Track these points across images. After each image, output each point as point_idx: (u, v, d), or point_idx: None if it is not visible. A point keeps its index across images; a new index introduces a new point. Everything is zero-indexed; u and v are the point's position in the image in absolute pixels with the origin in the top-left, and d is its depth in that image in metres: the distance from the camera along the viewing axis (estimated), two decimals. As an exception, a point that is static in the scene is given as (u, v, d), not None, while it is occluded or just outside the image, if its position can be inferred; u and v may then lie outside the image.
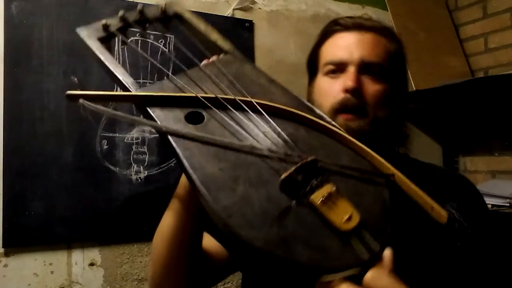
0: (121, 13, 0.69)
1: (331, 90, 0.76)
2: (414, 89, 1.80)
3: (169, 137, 0.50)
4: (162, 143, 0.54)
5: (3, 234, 1.29)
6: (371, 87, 0.74)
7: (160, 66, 1.39)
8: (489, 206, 1.66)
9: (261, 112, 0.55)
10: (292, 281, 0.54)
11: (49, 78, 1.36)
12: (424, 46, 1.93)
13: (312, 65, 0.85)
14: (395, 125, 0.80)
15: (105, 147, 1.43)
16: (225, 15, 1.70)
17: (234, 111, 0.55)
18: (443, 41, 2.06)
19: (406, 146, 0.87)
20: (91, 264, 1.42)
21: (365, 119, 0.73)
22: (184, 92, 0.56)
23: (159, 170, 1.50)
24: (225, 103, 0.55)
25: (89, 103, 0.51)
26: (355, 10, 2.00)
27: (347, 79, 0.73)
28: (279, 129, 0.53)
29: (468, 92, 1.76)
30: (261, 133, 0.52)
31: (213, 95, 0.56)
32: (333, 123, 0.58)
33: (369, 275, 0.42)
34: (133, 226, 1.47)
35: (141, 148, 1.46)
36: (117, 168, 1.45)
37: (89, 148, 1.41)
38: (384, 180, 0.51)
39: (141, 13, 0.70)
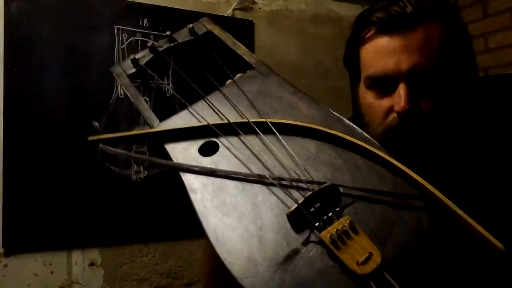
0: (149, 44, 0.66)
1: (379, 107, 0.63)
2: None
3: (181, 174, 0.49)
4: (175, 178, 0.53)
5: (3, 234, 1.29)
6: (429, 104, 0.60)
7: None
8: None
9: (277, 134, 0.51)
10: None
11: (49, 78, 1.36)
12: (424, 46, 1.93)
13: (353, 67, 0.70)
14: (465, 136, 0.67)
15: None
16: (225, 15, 1.70)
17: (249, 136, 0.52)
18: (443, 41, 2.06)
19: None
20: (91, 264, 1.42)
21: (425, 143, 0.60)
22: (199, 121, 0.55)
23: (159, 170, 1.50)
24: (238, 129, 0.52)
25: (107, 147, 0.52)
26: (355, 10, 2.00)
27: (399, 101, 0.59)
28: (297, 151, 0.49)
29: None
30: (276, 157, 0.48)
31: (226, 121, 0.53)
32: (364, 135, 0.50)
33: None
34: (133, 226, 1.47)
35: (141, 148, 1.46)
36: (117, 168, 1.45)
37: (89, 148, 1.41)
38: (423, 203, 0.42)
39: (171, 39, 0.68)
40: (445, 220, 0.41)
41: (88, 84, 1.40)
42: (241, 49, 0.68)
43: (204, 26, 0.70)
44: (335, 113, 0.53)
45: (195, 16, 1.80)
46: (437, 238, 0.40)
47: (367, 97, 0.65)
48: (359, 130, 0.50)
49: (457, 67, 0.63)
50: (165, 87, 1.52)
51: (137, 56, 0.65)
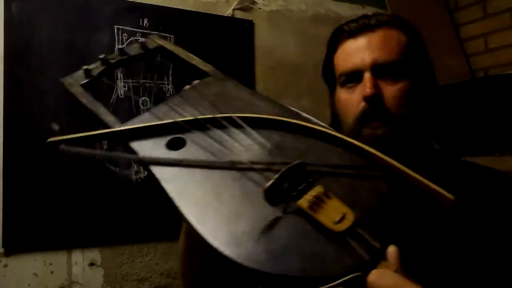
0: (101, 56, 0.68)
1: (351, 100, 0.73)
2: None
3: (151, 167, 0.51)
4: (148, 175, 0.54)
5: (3, 234, 1.29)
6: (391, 89, 0.70)
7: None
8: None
9: (243, 126, 0.54)
10: None
11: (49, 78, 1.36)
12: (424, 46, 1.93)
13: (329, 77, 0.82)
14: (428, 121, 0.75)
15: (105, 147, 1.43)
16: (225, 15, 1.70)
17: (216, 130, 0.54)
18: (443, 41, 2.06)
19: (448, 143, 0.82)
20: (91, 264, 1.42)
21: (390, 124, 0.69)
22: (163, 120, 0.57)
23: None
24: (205, 123, 0.54)
25: (70, 147, 0.52)
26: (355, 10, 2.00)
27: (364, 87, 0.70)
28: (262, 140, 0.52)
29: (468, 92, 1.76)
30: (244, 147, 0.51)
31: (192, 117, 0.56)
32: (321, 123, 0.56)
33: (372, 276, 0.38)
34: (133, 226, 1.47)
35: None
36: (117, 168, 1.45)
37: (89, 148, 1.41)
38: (380, 173, 0.49)
39: (122, 53, 0.70)
40: (401, 184, 0.47)
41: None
42: (195, 60, 0.71)
43: (155, 42, 0.74)
44: (293, 109, 0.59)
45: (195, 16, 1.81)
46: (396, 199, 0.47)
47: (341, 94, 0.76)
48: (316, 120, 0.56)
49: (417, 68, 0.74)
50: (165, 87, 1.52)
51: (89, 67, 0.67)
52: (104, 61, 0.69)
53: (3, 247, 1.30)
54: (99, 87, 0.68)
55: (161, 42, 0.74)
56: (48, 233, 1.35)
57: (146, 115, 0.59)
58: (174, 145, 0.54)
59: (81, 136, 0.56)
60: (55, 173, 1.36)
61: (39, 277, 1.34)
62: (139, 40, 0.73)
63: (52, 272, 1.36)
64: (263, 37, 1.76)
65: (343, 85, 0.75)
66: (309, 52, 1.81)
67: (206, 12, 1.65)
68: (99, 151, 0.55)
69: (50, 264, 1.36)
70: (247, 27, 1.73)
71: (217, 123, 0.55)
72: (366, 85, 0.70)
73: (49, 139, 0.54)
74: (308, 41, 1.82)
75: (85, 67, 0.67)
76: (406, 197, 0.54)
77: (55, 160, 1.36)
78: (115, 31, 1.48)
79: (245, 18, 1.73)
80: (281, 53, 1.79)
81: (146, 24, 1.53)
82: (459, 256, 0.65)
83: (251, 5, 1.75)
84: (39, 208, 1.33)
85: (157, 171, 0.50)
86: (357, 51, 0.73)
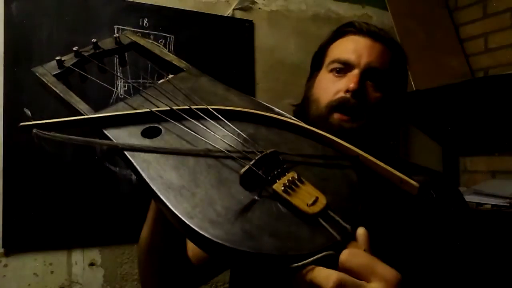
0: (75, 48, 0.69)
1: (333, 87, 0.77)
2: (414, 89, 1.80)
3: (126, 152, 0.51)
4: (123, 162, 0.54)
5: (3, 234, 1.29)
6: (372, 93, 0.76)
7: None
8: (489, 206, 1.66)
9: (219, 118, 0.55)
10: (268, 278, 0.53)
11: (49, 78, 1.36)
12: (424, 46, 1.93)
13: (317, 60, 0.86)
14: (388, 131, 0.83)
15: (105, 147, 1.43)
16: (225, 15, 1.70)
17: (191, 121, 0.55)
18: (443, 41, 2.06)
19: (396, 150, 0.88)
20: (91, 264, 1.42)
21: (359, 122, 0.74)
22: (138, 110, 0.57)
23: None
24: (181, 113, 0.55)
25: (43, 132, 0.52)
26: (355, 10, 2.00)
27: (351, 80, 0.74)
28: (237, 130, 0.53)
29: (468, 92, 1.76)
30: (220, 137, 0.53)
31: (167, 108, 0.56)
32: (293, 118, 0.58)
33: (344, 255, 0.40)
34: (133, 226, 1.46)
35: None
36: (117, 168, 1.44)
37: (89, 147, 1.41)
38: (350, 163, 0.51)
39: (96, 46, 0.71)
40: (369, 174, 0.50)
41: (88, 83, 1.39)
42: (169, 56, 0.72)
43: (128, 38, 0.75)
44: (266, 104, 0.61)
45: (195, 16, 1.81)
46: (364, 187, 0.49)
47: (325, 77, 0.80)
48: (288, 115, 0.59)
49: (396, 88, 0.82)
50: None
51: (62, 58, 0.68)
52: (77, 53, 0.70)
53: (3, 247, 1.30)
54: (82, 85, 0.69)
55: (135, 38, 0.75)
56: (48, 233, 1.35)
57: (120, 104, 0.60)
58: (149, 133, 0.55)
59: (54, 122, 0.56)
60: (55, 173, 1.36)
61: (39, 277, 1.34)
62: (114, 35, 0.74)
63: (52, 272, 1.36)
64: (263, 37, 1.76)
65: (331, 70, 0.79)
66: (309, 52, 1.80)
67: (206, 12, 1.65)
68: (73, 137, 0.54)
69: (50, 264, 1.36)
70: (247, 27, 1.73)
71: (193, 114, 0.56)
72: (353, 79, 0.74)
73: (21, 124, 0.54)
74: (308, 41, 1.82)
75: (57, 57, 0.68)
76: (373, 186, 0.57)
77: (55, 161, 1.36)
78: (115, 31, 1.48)
79: (245, 18, 1.73)
80: (281, 53, 1.79)
81: (146, 24, 1.53)
82: (422, 241, 0.71)
83: (251, 5, 1.75)
84: (39, 208, 1.33)
85: (132, 157, 0.51)
86: (357, 48, 0.78)
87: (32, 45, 1.36)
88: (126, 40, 0.74)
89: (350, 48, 0.79)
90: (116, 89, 1.46)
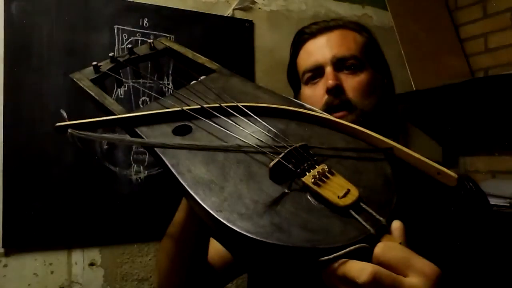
0: (111, 54, 0.72)
1: (315, 95, 0.77)
2: (414, 89, 1.80)
3: (156, 149, 0.52)
4: (154, 160, 0.55)
5: (3, 234, 1.29)
6: (351, 81, 0.75)
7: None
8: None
9: (249, 115, 0.55)
10: (296, 274, 0.52)
11: (49, 78, 1.36)
12: (424, 46, 1.93)
13: (294, 79, 0.87)
14: (387, 113, 0.81)
15: (105, 147, 1.43)
16: (225, 15, 1.70)
17: (222, 118, 0.56)
18: (443, 41, 2.06)
19: (401, 133, 0.87)
20: (91, 264, 1.42)
21: (354, 112, 0.74)
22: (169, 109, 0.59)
23: (159, 170, 1.50)
24: (212, 111, 0.56)
25: (77, 131, 0.53)
26: (355, 10, 2.00)
27: (326, 80, 0.75)
28: (267, 126, 0.54)
29: (468, 92, 1.76)
30: (250, 133, 0.53)
31: (198, 106, 0.57)
32: (324, 113, 0.57)
33: (379, 248, 0.37)
34: (133, 226, 1.47)
35: (141, 148, 1.46)
36: (117, 168, 1.45)
37: (89, 148, 1.41)
38: (383, 155, 0.49)
39: (131, 52, 0.73)
40: (403, 166, 0.48)
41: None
42: (202, 59, 0.73)
43: (162, 44, 0.77)
44: (297, 100, 0.61)
45: (195, 16, 1.81)
46: (399, 181, 0.47)
47: (306, 91, 0.80)
48: (319, 110, 0.58)
49: (374, 65, 0.80)
50: (165, 87, 1.52)
51: (99, 64, 0.71)
52: (113, 59, 0.72)
53: (3, 247, 1.30)
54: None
55: (168, 43, 0.77)
56: (48, 232, 1.35)
57: (153, 104, 0.61)
58: (180, 131, 0.56)
59: (89, 122, 0.57)
60: (55, 173, 1.36)
61: (39, 277, 1.34)
62: (148, 41, 0.76)
63: (52, 272, 1.36)
64: (263, 37, 1.76)
65: (307, 83, 0.80)
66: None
67: (206, 12, 1.65)
68: (106, 135, 0.56)
69: (50, 264, 1.36)
70: (247, 27, 1.73)
71: (223, 112, 0.56)
72: (328, 77, 0.75)
73: (57, 124, 0.55)
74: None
75: (94, 63, 0.70)
76: (408, 178, 0.54)
77: (55, 160, 1.36)
78: (115, 31, 1.48)
79: (245, 18, 1.73)
80: (281, 53, 1.79)
81: (146, 24, 1.53)
82: (462, 235, 0.68)
83: (251, 5, 1.75)
84: (39, 207, 1.33)
85: (163, 154, 0.51)
86: (318, 49, 0.79)
87: (32, 45, 1.36)
88: (160, 46, 0.76)
89: (311, 52, 0.80)
90: (116, 89, 1.46)
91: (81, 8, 1.44)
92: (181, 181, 0.47)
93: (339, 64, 0.76)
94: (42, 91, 1.35)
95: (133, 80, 1.49)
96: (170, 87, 1.52)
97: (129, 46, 0.74)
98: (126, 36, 1.49)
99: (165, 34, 1.55)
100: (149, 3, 1.55)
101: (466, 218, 0.70)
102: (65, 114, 0.56)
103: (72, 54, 1.40)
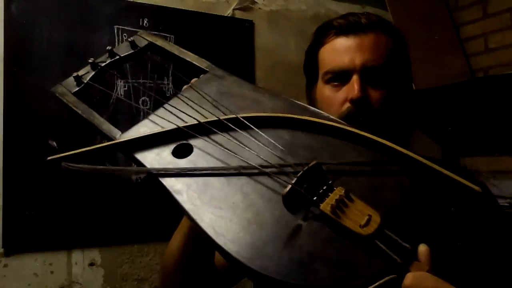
0: (90, 60, 0.64)
1: (335, 99, 0.72)
2: (414, 89, 1.79)
3: (160, 179, 0.48)
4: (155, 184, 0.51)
5: (3, 234, 1.29)
6: (376, 94, 0.70)
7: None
8: (489, 206, 1.66)
9: (251, 127, 0.51)
10: None
11: (49, 78, 1.36)
12: (424, 46, 1.93)
13: (311, 70, 0.80)
14: (402, 124, 0.77)
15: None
16: (225, 15, 1.70)
17: (222, 134, 0.51)
18: (443, 41, 2.06)
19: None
20: (91, 264, 1.42)
21: (375, 122, 0.69)
22: (165, 127, 0.53)
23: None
24: (211, 127, 0.52)
25: (72, 164, 0.50)
26: (355, 10, 1.99)
27: (352, 89, 0.69)
28: (272, 141, 0.49)
29: (468, 92, 1.76)
30: (253, 150, 0.49)
31: (196, 122, 0.53)
32: (331, 117, 0.53)
33: (409, 279, 0.36)
34: (133, 226, 1.47)
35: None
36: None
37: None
38: (399, 167, 0.46)
39: (111, 54, 0.66)
40: (421, 178, 0.45)
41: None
42: (190, 56, 0.67)
43: (144, 39, 0.69)
44: (299, 102, 0.56)
45: (195, 16, 1.80)
46: (419, 195, 0.44)
47: (325, 91, 0.74)
48: (325, 114, 0.54)
49: (400, 74, 0.75)
50: (165, 87, 1.52)
51: (80, 74, 0.63)
52: (93, 65, 0.64)
53: (3, 247, 1.30)
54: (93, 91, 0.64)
55: (151, 38, 0.69)
56: (48, 233, 1.35)
57: (146, 122, 0.56)
58: (180, 152, 0.51)
59: (82, 151, 0.53)
60: (55, 173, 1.36)
61: (39, 277, 1.34)
62: (128, 39, 0.68)
63: (52, 272, 1.36)
64: (263, 37, 1.76)
65: (327, 82, 0.74)
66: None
67: (206, 12, 1.65)
68: (102, 167, 0.51)
69: (50, 264, 1.36)
70: (247, 27, 1.73)
71: (223, 126, 0.52)
72: (355, 87, 0.69)
73: (49, 158, 0.51)
74: (308, 41, 1.82)
75: (75, 74, 0.63)
76: (428, 192, 0.52)
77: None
78: (115, 31, 1.48)
79: (245, 18, 1.73)
80: (281, 53, 1.79)
81: (146, 24, 1.53)
82: (488, 252, 0.64)
83: (251, 5, 1.75)
84: (39, 208, 1.33)
85: (167, 182, 0.48)
86: (347, 51, 0.72)
87: (32, 45, 1.36)
88: (142, 42, 0.69)
89: (339, 53, 0.73)
90: (116, 89, 1.46)
91: (81, 8, 1.44)
92: (192, 216, 0.44)
93: (367, 73, 0.70)
94: (42, 91, 1.35)
95: (133, 81, 1.48)
96: (170, 87, 1.52)
97: (108, 48, 0.66)
98: (126, 36, 1.49)
99: (165, 34, 1.55)
100: (149, 3, 1.55)
101: (489, 233, 0.66)
102: (54, 144, 0.52)
103: (72, 54, 1.40)
